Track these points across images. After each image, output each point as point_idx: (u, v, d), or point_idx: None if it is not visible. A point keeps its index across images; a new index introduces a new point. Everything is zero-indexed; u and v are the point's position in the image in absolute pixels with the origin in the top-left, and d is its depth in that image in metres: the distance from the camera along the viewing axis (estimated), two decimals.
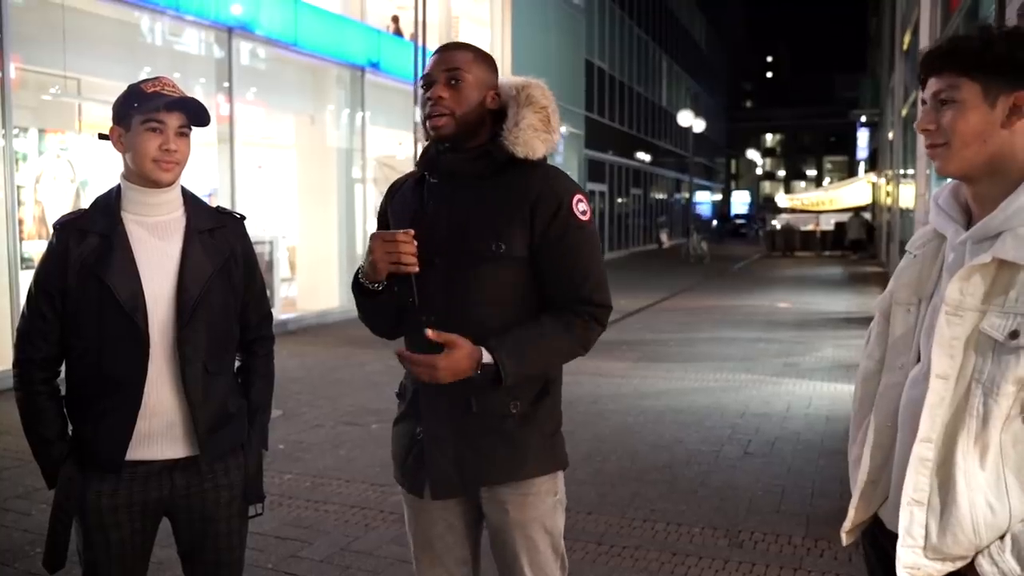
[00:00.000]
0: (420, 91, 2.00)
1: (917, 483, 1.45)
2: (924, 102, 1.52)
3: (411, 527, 2.14)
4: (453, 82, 1.93)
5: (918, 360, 1.53)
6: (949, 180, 1.59)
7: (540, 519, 2.01)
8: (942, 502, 1.43)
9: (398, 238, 1.88)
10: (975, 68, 1.44)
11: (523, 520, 1.99)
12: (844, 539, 1.71)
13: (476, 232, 1.92)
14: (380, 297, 1.99)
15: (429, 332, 1.82)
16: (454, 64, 1.93)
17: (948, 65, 1.47)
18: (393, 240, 1.88)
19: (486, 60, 2.01)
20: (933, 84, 1.49)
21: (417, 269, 1.89)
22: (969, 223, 1.51)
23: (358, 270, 2.01)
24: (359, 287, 2.02)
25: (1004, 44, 1.42)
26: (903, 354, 1.58)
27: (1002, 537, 1.40)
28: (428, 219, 1.97)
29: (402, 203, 2.09)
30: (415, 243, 1.88)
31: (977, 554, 1.41)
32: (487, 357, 1.84)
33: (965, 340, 1.42)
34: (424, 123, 1.97)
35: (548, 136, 1.97)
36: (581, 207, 1.96)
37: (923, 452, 1.44)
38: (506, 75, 2.06)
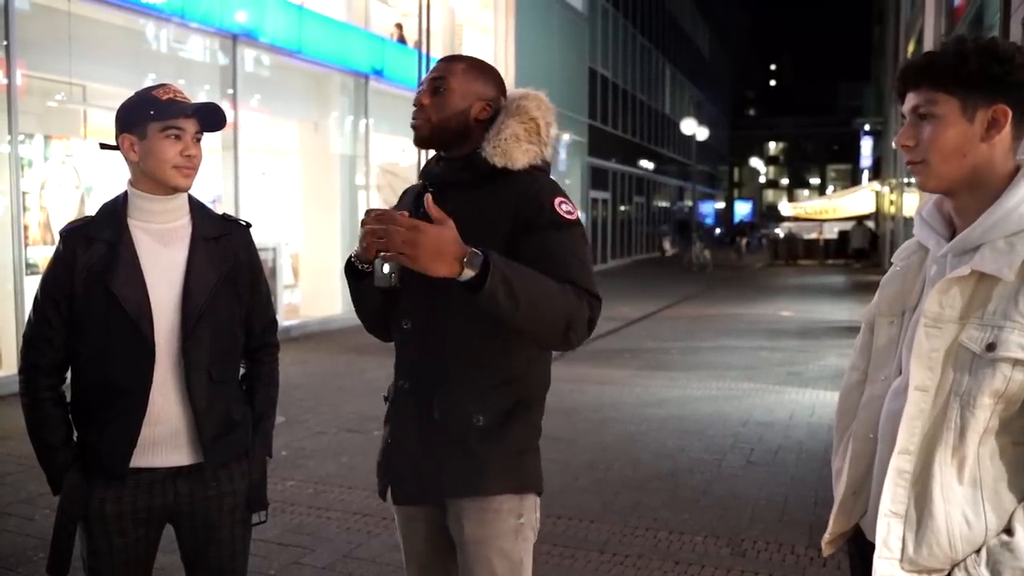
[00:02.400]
0: None
1: (895, 495, 1.46)
2: (903, 117, 1.53)
3: (399, 533, 2.15)
4: (436, 89, 1.98)
5: (900, 372, 1.53)
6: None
7: (497, 539, 1.92)
8: (919, 515, 1.44)
9: (387, 216, 1.82)
10: (952, 83, 1.44)
11: (479, 537, 1.92)
12: (824, 549, 1.72)
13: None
14: (365, 280, 1.94)
15: (428, 199, 1.75)
16: (441, 73, 1.99)
17: (925, 80, 1.47)
18: (384, 217, 1.81)
19: (481, 73, 2.03)
20: (911, 99, 1.49)
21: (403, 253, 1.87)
22: (952, 235, 1.52)
23: (352, 253, 1.98)
24: (351, 269, 1.97)
25: (978, 59, 1.42)
26: (886, 366, 1.58)
27: (978, 551, 1.40)
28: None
29: (407, 207, 2.08)
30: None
31: (953, 568, 1.41)
32: (478, 254, 1.72)
33: (944, 352, 1.43)
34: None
35: (532, 147, 1.96)
36: (564, 207, 1.91)
37: (901, 464, 1.45)
38: (510, 84, 2.07)
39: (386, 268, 1.84)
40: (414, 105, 2.01)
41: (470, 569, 1.95)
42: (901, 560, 1.45)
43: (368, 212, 1.85)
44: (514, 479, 1.95)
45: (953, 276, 1.43)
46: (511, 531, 1.95)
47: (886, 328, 1.60)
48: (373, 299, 2.03)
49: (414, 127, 2.01)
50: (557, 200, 1.91)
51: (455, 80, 1.98)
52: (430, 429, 1.94)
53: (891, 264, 1.67)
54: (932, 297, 1.44)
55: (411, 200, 2.11)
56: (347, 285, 2.04)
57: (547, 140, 2.00)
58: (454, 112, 1.97)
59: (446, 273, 1.70)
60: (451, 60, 2.04)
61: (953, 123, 1.45)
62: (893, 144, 22.49)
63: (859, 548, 1.66)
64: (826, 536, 1.69)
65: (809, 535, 4.15)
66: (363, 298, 2.06)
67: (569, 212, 1.91)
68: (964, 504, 1.41)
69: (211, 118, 2.07)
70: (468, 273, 1.70)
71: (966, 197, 1.49)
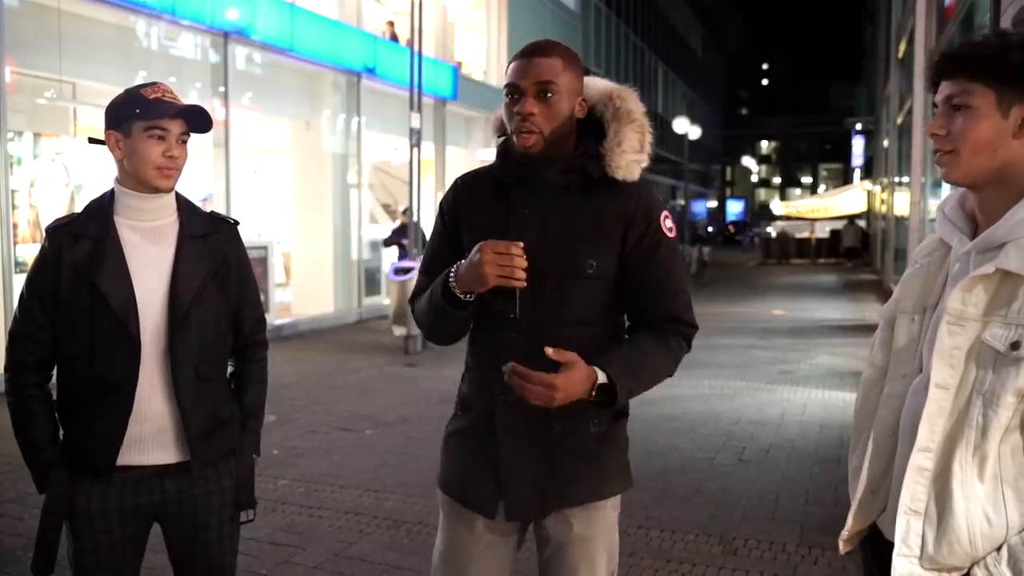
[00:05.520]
0: (504, 98, 1.87)
1: (914, 492, 1.44)
2: (935, 105, 1.50)
3: (446, 542, 2.03)
4: (544, 95, 1.81)
5: (921, 370, 1.51)
6: (956, 189, 1.57)
7: (603, 535, 1.98)
8: (939, 512, 1.42)
9: (512, 251, 1.76)
10: (990, 75, 1.41)
11: (587, 536, 1.95)
12: (842, 547, 1.69)
13: (570, 250, 1.85)
14: (469, 309, 1.86)
15: (550, 351, 1.73)
16: (544, 76, 1.81)
17: (962, 70, 1.44)
18: (507, 252, 1.76)
19: (575, 64, 1.88)
20: (946, 88, 1.47)
21: (525, 284, 1.78)
22: (975, 232, 1.50)
23: (448, 275, 1.85)
24: (448, 296, 1.85)
25: (1020, 53, 1.40)
26: (906, 363, 1.56)
27: (998, 549, 1.39)
28: (515, 230, 1.85)
29: (478, 203, 1.97)
30: (525, 258, 1.77)
31: (973, 565, 1.40)
32: (602, 378, 1.78)
33: (967, 351, 1.41)
34: (513, 136, 1.87)
35: (643, 157, 1.91)
36: (668, 223, 1.91)
37: (921, 462, 1.43)
38: (592, 80, 1.95)
39: (500, 301, 1.82)
40: (518, 114, 1.82)
41: (574, 566, 1.95)
42: (920, 558, 1.44)
43: (484, 247, 1.78)
44: (626, 478, 2.04)
45: (977, 274, 1.41)
46: (612, 525, 2.02)
47: (907, 325, 1.58)
48: (460, 324, 1.94)
49: (525, 144, 1.83)
50: (662, 216, 1.91)
51: (562, 81, 1.82)
52: (549, 441, 1.90)
53: (912, 261, 1.64)
54: (955, 295, 1.42)
55: (486, 194, 1.96)
56: (439, 311, 1.89)
57: (648, 149, 1.93)
58: (564, 119, 1.84)
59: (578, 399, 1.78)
60: (547, 55, 1.83)
61: (987, 116, 1.42)
62: (885, 144, 22.55)
63: (873, 549, 1.64)
64: (844, 533, 1.66)
65: (800, 533, 4.15)
66: (451, 324, 1.93)
67: (671, 229, 1.92)
68: (985, 502, 1.40)
69: (197, 120, 2.05)
70: (597, 399, 1.80)
71: (991, 193, 1.47)
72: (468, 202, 2.00)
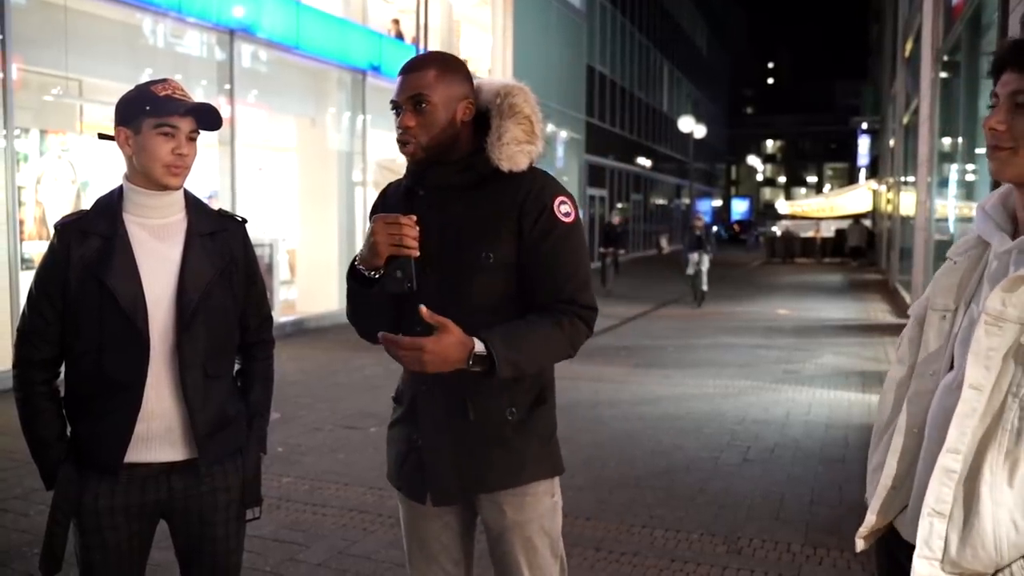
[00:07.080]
0: (392, 114, 2.01)
1: (940, 494, 1.40)
2: (995, 95, 1.43)
3: (407, 526, 2.15)
4: (418, 107, 1.94)
5: (951, 368, 1.48)
6: (1003, 185, 1.52)
7: (538, 520, 2.03)
8: (965, 515, 1.39)
9: (401, 220, 1.88)
10: None
11: (521, 521, 2.01)
12: (859, 544, 1.64)
13: (467, 243, 1.95)
14: (375, 286, 1.97)
15: (423, 310, 1.79)
16: (416, 89, 1.94)
17: None
18: (396, 222, 1.88)
19: (453, 72, 1.98)
20: (1013, 81, 1.40)
21: (418, 253, 1.89)
22: (1015, 232, 1.45)
23: (355, 258, 1.99)
24: (355, 275, 1.99)
25: None
26: (935, 361, 1.52)
27: None
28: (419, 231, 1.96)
29: (394, 208, 2.06)
30: (417, 228, 1.89)
31: (996, 573, 1.37)
32: (480, 347, 1.81)
33: (1004, 352, 1.37)
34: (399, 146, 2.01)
35: (532, 147, 1.99)
36: (564, 208, 1.98)
37: (948, 463, 1.39)
38: (497, 76, 2.04)
39: (399, 273, 1.88)
40: (398, 128, 1.97)
41: (513, 551, 2.03)
42: (942, 561, 1.40)
43: (376, 220, 1.90)
44: (547, 464, 2.06)
45: (1019, 274, 1.36)
46: (549, 510, 2.06)
47: (937, 323, 1.54)
48: (377, 306, 2.02)
49: (406, 153, 1.98)
50: (557, 201, 1.98)
51: (434, 92, 1.93)
52: (465, 428, 1.97)
53: (946, 258, 1.59)
54: (995, 295, 1.37)
55: (400, 201, 2.08)
56: (351, 291, 2.02)
57: (539, 136, 2.02)
58: (442, 127, 1.95)
59: (456, 368, 1.81)
60: (419, 69, 1.96)
61: None
62: (891, 143, 22.49)
63: (889, 548, 1.60)
64: (862, 531, 1.61)
65: (805, 533, 4.15)
66: (366, 305, 2.04)
67: (567, 214, 1.99)
68: (1013, 508, 1.36)
69: (207, 118, 2.06)
70: (476, 368, 1.82)
71: None
72: (390, 207, 2.11)
